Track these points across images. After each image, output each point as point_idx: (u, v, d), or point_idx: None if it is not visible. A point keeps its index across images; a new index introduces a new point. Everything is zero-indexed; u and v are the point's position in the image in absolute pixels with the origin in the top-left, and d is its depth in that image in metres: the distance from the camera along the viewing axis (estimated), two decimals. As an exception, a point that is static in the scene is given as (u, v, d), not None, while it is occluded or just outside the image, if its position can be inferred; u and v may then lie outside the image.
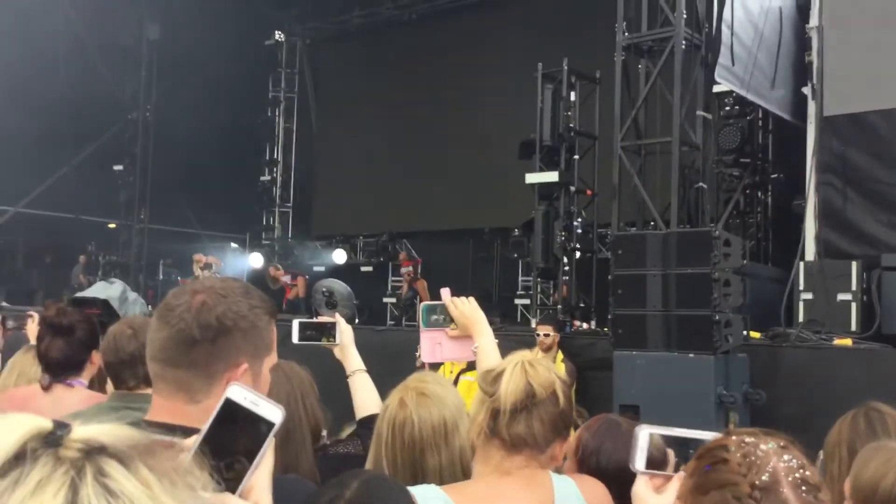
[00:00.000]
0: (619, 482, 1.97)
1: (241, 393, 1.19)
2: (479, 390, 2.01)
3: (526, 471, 1.95)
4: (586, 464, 2.27)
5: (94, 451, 0.74)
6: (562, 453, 2.02)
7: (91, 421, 0.80)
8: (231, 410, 1.18)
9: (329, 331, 2.82)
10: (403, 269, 15.56)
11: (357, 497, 1.55)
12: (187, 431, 1.31)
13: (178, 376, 1.52)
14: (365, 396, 2.77)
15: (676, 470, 1.61)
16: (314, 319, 2.90)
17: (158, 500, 0.74)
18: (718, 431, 1.59)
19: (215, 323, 1.52)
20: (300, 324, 2.81)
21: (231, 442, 1.17)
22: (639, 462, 1.61)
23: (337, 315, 2.98)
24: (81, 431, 0.76)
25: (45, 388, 2.96)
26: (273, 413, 1.19)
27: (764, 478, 1.35)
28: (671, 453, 1.64)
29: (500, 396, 1.92)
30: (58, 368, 2.99)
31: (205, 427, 1.16)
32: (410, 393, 2.30)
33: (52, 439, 0.74)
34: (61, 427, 0.76)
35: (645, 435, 1.61)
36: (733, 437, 1.45)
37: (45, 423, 0.76)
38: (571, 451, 2.28)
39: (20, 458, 0.71)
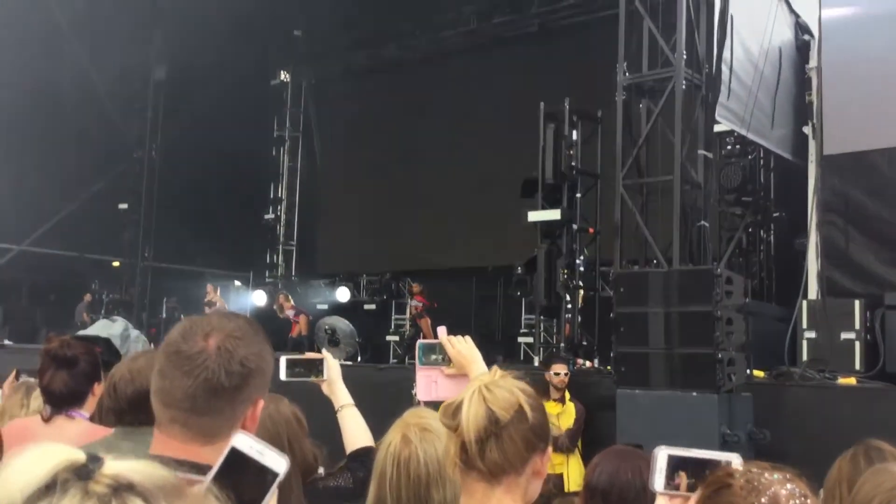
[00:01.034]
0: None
1: (247, 442, 1.19)
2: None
3: (508, 497, 1.86)
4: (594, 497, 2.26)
5: (122, 488, 0.75)
6: (544, 466, 1.93)
7: (110, 454, 0.81)
8: (236, 459, 1.19)
9: (317, 367, 2.84)
10: (413, 302, 15.42)
11: None
12: (195, 467, 1.31)
13: (203, 423, 1.52)
14: (354, 430, 2.78)
15: (692, 490, 1.61)
16: (301, 356, 2.92)
17: None
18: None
19: (240, 369, 1.53)
20: (287, 360, 2.83)
21: (235, 490, 1.15)
22: (657, 483, 1.62)
23: (324, 351, 3.00)
24: (112, 467, 0.77)
25: (46, 420, 2.96)
26: (277, 463, 1.19)
27: (763, 500, 1.38)
28: (684, 475, 1.65)
29: (463, 428, 1.84)
30: (60, 400, 2.98)
31: (210, 474, 1.16)
32: (413, 429, 2.28)
33: (84, 472, 0.76)
34: (94, 461, 0.78)
35: (664, 456, 1.62)
36: (741, 467, 1.49)
37: (79, 456, 0.78)
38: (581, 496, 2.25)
39: (51, 487, 0.73)
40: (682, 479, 1.64)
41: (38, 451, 0.77)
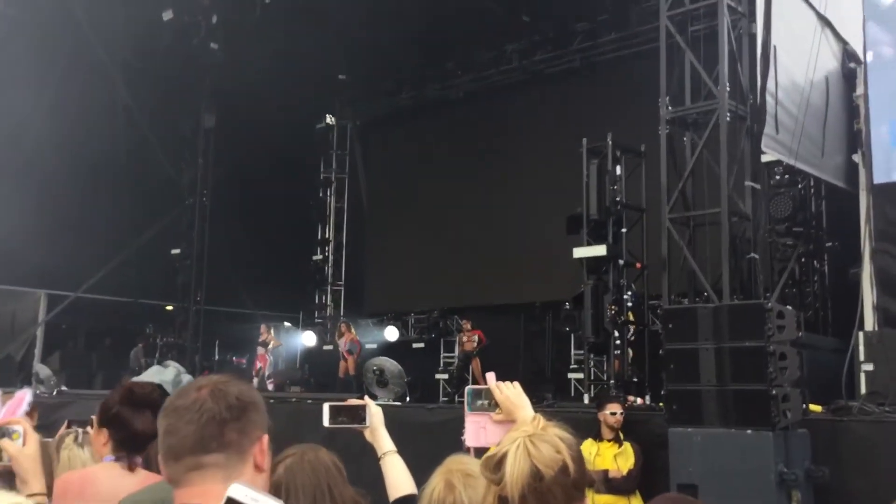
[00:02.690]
0: None
1: (242, 491, 1.22)
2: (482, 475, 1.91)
3: None
4: None
5: None
6: None
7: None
8: None
9: (359, 414, 2.84)
10: (466, 338, 15.05)
11: None
12: None
13: (215, 460, 1.61)
14: (397, 477, 2.76)
15: None
16: (344, 403, 2.93)
17: None
18: None
19: (236, 402, 1.65)
20: (331, 407, 2.84)
21: None
22: None
23: (366, 397, 3.00)
24: None
25: (132, 469, 2.91)
26: None
27: None
28: None
29: (506, 483, 1.80)
30: (144, 442, 2.94)
31: None
32: (456, 475, 2.28)
33: None
34: None
35: None
36: None
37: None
38: None
39: None
40: None
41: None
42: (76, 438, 3.54)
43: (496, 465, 1.85)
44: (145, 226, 16.29)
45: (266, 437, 1.68)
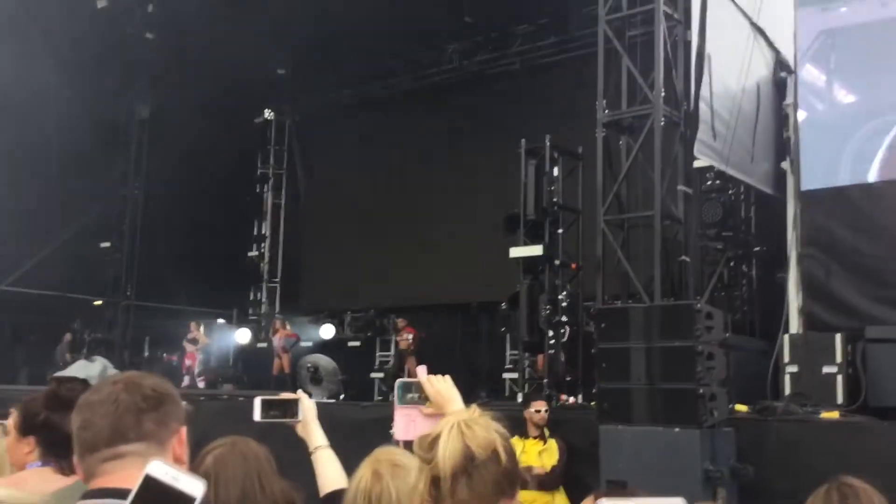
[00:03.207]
0: None
1: (162, 469, 1.20)
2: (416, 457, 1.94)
3: None
4: None
5: None
6: None
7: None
8: (152, 486, 1.19)
9: (292, 408, 2.81)
10: (405, 335, 15.00)
11: None
12: (118, 493, 1.32)
13: (134, 449, 1.59)
14: (329, 472, 2.75)
15: None
16: (276, 396, 2.90)
17: None
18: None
19: (152, 393, 1.65)
20: (262, 401, 2.81)
21: None
22: None
23: (299, 391, 2.98)
24: None
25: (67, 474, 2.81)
26: (194, 487, 1.20)
27: None
28: None
29: (438, 462, 1.84)
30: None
31: (126, 502, 1.17)
32: (384, 464, 2.27)
33: None
34: None
35: None
36: None
37: None
38: None
39: None
40: None
41: None
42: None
43: (429, 445, 1.88)
44: (74, 218, 15.86)
45: (184, 430, 1.67)
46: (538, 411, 7.71)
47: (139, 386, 1.64)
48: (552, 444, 7.61)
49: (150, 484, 1.20)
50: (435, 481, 1.84)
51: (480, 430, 1.88)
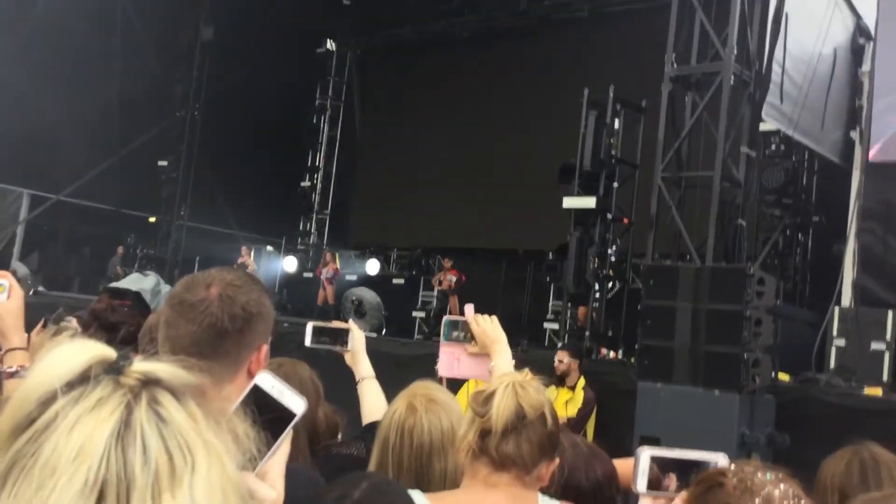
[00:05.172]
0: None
1: (269, 381, 1.22)
2: (469, 409, 2.03)
3: (512, 488, 1.96)
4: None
5: (150, 382, 0.81)
6: (548, 474, 2.03)
7: None
8: (257, 397, 1.21)
9: (342, 336, 2.84)
10: (448, 276, 15.03)
11: (366, 497, 1.55)
12: None
13: (208, 367, 1.56)
14: (373, 402, 2.78)
15: (679, 490, 1.58)
16: (328, 324, 2.92)
17: (202, 435, 0.80)
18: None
19: (241, 313, 1.60)
20: (314, 327, 2.83)
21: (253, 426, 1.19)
22: (640, 484, 1.59)
23: (350, 322, 3.01)
24: (141, 364, 0.83)
25: None
26: (296, 404, 1.22)
27: (757, 500, 1.35)
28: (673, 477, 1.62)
29: (491, 417, 1.94)
30: None
31: (233, 406, 1.18)
32: (420, 398, 2.29)
33: (115, 367, 0.81)
34: (124, 358, 0.83)
35: (646, 457, 1.59)
36: (732, 466, 1.46)
37: (110, 353, 0.83)
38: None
39: (84, 379, 0.79)
40: (672, 480, 1.61)
41: (73, 346, 0.82)
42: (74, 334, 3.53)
43: (485, 400, 1.99)
44: (134, 135, 16.06)
45: (266, 347, 1.65)
46: (561, 361, 7.70)
47: (232, 302, 1.60)
48: (579, 393, 7.62)
49: (256, 394, 1.21)
50: (484, 433, 1.95)
51: (533, 391, 2.00)
